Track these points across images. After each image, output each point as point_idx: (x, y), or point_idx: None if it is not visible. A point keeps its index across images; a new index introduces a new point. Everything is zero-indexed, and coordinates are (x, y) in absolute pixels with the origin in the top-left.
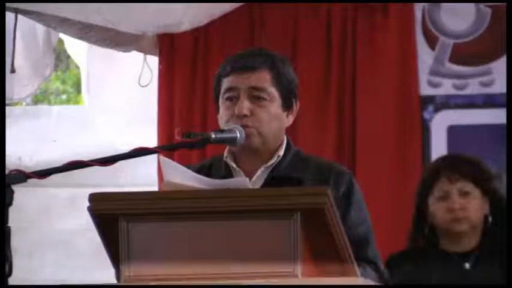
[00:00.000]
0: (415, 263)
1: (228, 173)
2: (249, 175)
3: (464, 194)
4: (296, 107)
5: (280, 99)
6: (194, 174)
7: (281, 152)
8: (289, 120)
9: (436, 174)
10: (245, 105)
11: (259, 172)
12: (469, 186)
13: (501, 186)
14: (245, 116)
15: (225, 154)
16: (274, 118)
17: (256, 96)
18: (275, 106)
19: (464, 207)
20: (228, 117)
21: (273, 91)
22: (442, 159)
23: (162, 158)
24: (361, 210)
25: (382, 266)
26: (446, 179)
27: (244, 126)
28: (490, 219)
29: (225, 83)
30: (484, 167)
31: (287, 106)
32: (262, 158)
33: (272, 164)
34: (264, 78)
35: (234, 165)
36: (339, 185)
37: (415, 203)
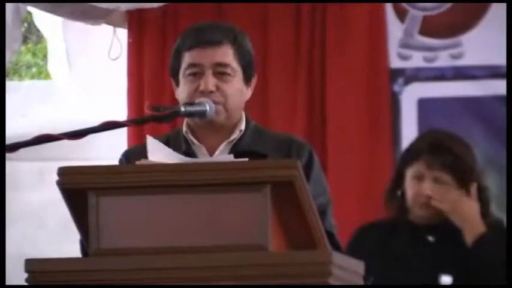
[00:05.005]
0: (382, 235)
1: (189, 148)
2: (211, 150)
3: (438, 182)
4: (254, 80)
5: (241, 73)
6: (180, 155)
7: (242, 127)
8: (248, 93)
9: (417, 153)
10: (211, 81)
11: (221, 147)
12: (445, 177)
13: (485, 180)
14: (211, 92)
15: (184, 129)
16: (238, 92)
17: (220, 72)
18: (238, 80)
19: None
20: (190, 93)
21: (236, 66)
22: (428, 140)
23: (148, 137)
24: (320, 182)
25: (338, 237)
26: (425, 163)
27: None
28: None
29: (188, 57)
30: (468, 162)
31: (248, 79)
32: (223, 133)
33: (234, 139)
34: (227, 53)
35: (195, 140)
36: (301, 158)
37: (397, 167)
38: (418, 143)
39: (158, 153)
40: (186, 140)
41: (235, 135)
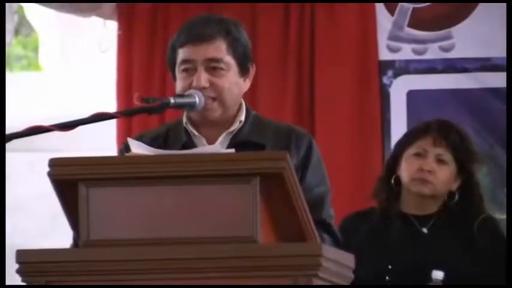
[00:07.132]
0: (373, 223)
1: (189, 139)
2: (211, 141)
3: (440, 161)
4: (252, 70)
5: (236, 67)
6: (165, 151)
7: (242, 117)
8: (246, 84)
9: (424, 130)
10: (203, 77)
11: (221, 138)
12: (447, 156)
13: (480, 172)
14: (204, 88)
15: (185, 120)
16: (233, 86)
17: (213, 67)
18: (232, 74)
19: (434, 173)
20: (185, 89)
21: (229, 60)
22: (436, 121)
23: (129, 139)
24: (318, 173)
25: (335, 227)
26: (431, 139)
27: (204, 98)
28: (456, 197)
29: (181, 53)
30: (472, 147)
31: (244, 72)
32: (223, 124)
33: (234, 130)
34: (220, 48)
35: (195, 132)
36: (300, 148)
37: (392, 152)
38: (425, 123)
39: (142, 150)
40: (187, 131)
41: (235, 126)
